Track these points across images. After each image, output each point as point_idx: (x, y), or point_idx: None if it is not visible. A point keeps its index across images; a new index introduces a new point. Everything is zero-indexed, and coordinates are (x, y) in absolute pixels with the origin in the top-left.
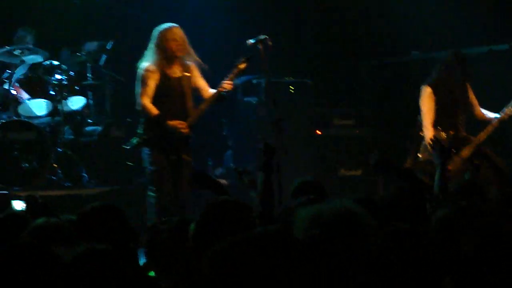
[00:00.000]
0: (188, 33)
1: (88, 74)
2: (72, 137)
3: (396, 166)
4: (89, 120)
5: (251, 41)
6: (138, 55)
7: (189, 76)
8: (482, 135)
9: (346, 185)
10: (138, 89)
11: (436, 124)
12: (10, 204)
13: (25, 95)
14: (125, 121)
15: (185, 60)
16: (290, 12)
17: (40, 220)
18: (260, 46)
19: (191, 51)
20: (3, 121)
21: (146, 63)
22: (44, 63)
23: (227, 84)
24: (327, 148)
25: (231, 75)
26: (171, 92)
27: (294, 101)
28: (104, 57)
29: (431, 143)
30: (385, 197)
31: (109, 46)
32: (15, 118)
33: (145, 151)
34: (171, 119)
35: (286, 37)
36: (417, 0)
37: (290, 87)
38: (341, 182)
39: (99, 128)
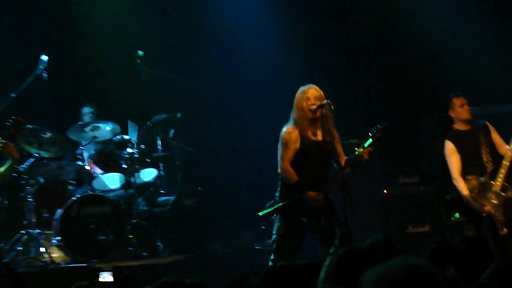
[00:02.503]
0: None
1: (158, 147)
2: (146, 208)
3: (468, 207)
4: (161, 191)
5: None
6: (206, 127)
7: (329, 141)
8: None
9: (415, 242)
10: (279, 152)
11: (464, 173)
12: (97, 276)
13: (98, 170)
14: (196, 190)
15: (328, 124)
16: (349, 73)
17: None
18: (323, 111)
19: (329, 113)
20: (79, 195)
21: (288, 126)
22: (114, 138)
23: (365, 153)
24: (394, 206)
25: (368, 144)
26: (311, 156)
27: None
28: (173, 130)
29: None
30: (458, 246)
31: (177, 117)
32: (90, 192)
33: (276, 217)
34: (309, 185)
35: (347, 98)
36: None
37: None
38: (409, 239)
39: (171, 198)
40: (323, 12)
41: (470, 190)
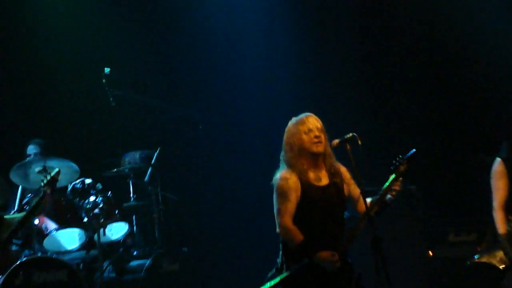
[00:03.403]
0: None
1: (130, 194)
2: (114, 275)
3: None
4: (134, 252)
5: (337, 140)
6: (193, 167)
7: (339, 183)
8: None
9: None
10: (276, 206)
11: (507, 210)
12: None
13: (51, 225)
14: (179, 251)
15: (331, 161)
16: (378, 109)
17: None
18: (347, 146)
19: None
20: (26, 258)
21: (281, 171)
22: (74, 183)
23: (385, 195)
24: (443, 272)
25: (390, 183)
26: (318, 206)
27: (398, 214)
28: (149, 172)
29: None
30: None
31: (155, 157)
32: (40, 254)
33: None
34: (320, 244)
35: (372, 127)
36: None
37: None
38: None
39: (147, 262)
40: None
41: (509, 234)
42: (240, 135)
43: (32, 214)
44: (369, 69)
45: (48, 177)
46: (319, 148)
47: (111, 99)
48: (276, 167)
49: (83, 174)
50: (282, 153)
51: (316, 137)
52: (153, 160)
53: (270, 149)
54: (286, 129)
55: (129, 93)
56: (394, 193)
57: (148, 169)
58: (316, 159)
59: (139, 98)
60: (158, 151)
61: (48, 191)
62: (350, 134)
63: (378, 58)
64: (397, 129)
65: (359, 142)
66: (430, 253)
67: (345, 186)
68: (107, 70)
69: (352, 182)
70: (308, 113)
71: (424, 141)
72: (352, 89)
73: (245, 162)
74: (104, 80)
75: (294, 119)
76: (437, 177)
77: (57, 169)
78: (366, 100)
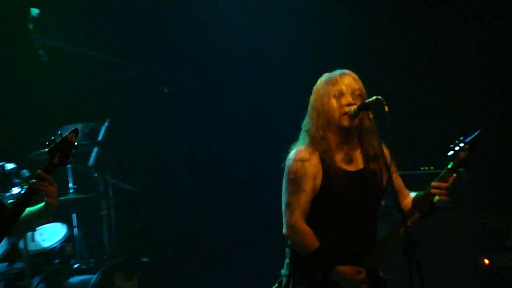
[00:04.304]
0: None
1: (69, 184)
2: None
3: None
4: (74, 265)
5: (354, 106)
6: (153, 147)
7: (377, 171)
8: None
9: None
10: (285, 196)
11: None
12: None
13: None
14: (138, 262)
15: (372, 139)
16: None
17: None
18: (369, 115)
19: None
20: None
21: (298, 147)
22: None
23: (442, 188)
24: (500, 284)
25: (445, 173)
26: (343, 200)
27: (445, 211)
28: (94, 152)
29: None
30: None
31: (102, 132)
32: None
33: None
34: (342, 253)
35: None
36: None
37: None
38: None
39: (93, 277)
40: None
41: None
42: (221, 103)
43: None
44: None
45: None
46: (350, 122)
47: (40, 51)
48: (272, 148)
49: (3, 157)
50: (305, 121)
51: (349, 104)
52: (100, 136)
53: (263, 125)
54: (314, 88)
55: (65, 43)
56: (444, 193)
57: (93, 149)
58: (348, 134)
59: (80, 51)
60: (106, 124)
61: None
62: (373, 98)
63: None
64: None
65: (386, 109)
66: (486, 261)
67: (384, 175)
68: (34, 11)
69: (395, 170)
70: (345, 70)
71: (484, 120)
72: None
73: (228, 140)
74: (30, 26)
75: (325, 76)
76: (495, 162)
77: None
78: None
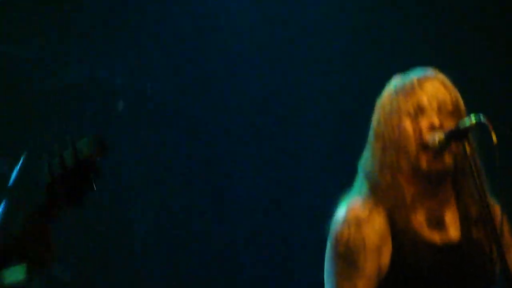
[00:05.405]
0: None
1: None
2: None
3: None
4: None
5: (441, 132)
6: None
7: (482, 241)
8: None
9: None
10: (331, 277)
11: None
12: None
13: None
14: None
15: (467, 184)
16: None
17: None
18: (466, 145)
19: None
20: None
21: (352, 201)
22: None
23: None
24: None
25: None
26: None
27: None
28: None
29: None
30: None
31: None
32: None
33: None
34: None
35: None
36: None
37: None
38: None
39: None
40: None
41: None
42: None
43: None
44: None
45: None
46: (433, 160)
47: None
48: (271, 159)
49: None
50: (364, 156)
51: (432, 128)
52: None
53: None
54: (379, 101)
55: None
56: None
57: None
58: (434, 180)
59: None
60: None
61: None
62: (472, 119)
63: None
64: None
65: (494, 139)
66: None
67: (494, 250)
68: None
69: (510, 238)
70: (429, 72)
71: None
72: None
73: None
74: None
75: (396, 81)
76: None
77: None
78: None
